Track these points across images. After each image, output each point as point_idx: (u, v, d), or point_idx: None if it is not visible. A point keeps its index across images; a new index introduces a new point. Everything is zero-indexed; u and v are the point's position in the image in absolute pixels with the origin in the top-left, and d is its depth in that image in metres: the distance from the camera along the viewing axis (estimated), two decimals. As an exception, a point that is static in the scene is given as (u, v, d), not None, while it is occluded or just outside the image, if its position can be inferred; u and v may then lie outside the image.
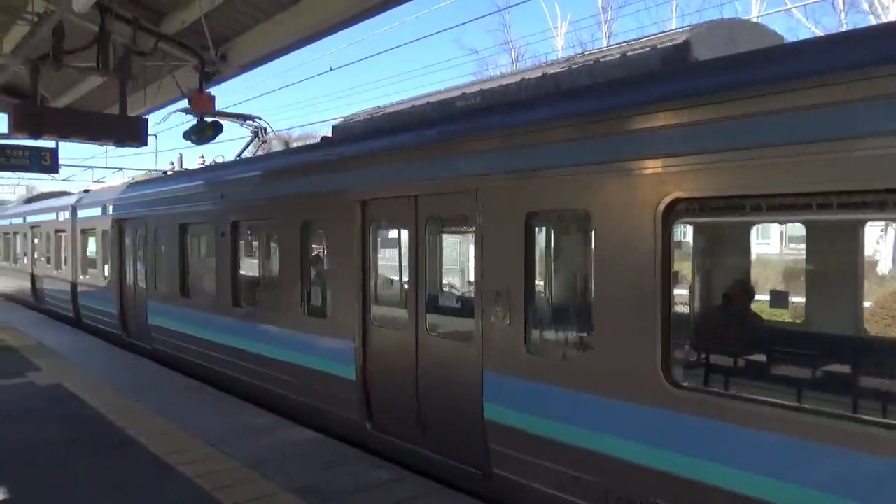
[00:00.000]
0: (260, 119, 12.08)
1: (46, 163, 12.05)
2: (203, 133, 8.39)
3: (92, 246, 16.39)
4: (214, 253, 9.95)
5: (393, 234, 7.86)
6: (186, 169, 13.07)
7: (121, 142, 7.80)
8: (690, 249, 6.67)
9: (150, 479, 6.02)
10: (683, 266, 6.74)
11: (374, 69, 78.89)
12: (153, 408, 8.51)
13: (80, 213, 16.62)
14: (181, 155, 37.36)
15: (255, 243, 11.20)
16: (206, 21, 7.68)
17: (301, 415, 7.98)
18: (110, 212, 14.33)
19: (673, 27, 28.84)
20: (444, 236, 8.04)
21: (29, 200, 25.21)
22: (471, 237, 6.09)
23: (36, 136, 8.18)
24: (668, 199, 4.32)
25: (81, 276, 16.66)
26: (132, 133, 7.60)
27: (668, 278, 4.38)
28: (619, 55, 5.45)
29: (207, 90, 8.71)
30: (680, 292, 6.08)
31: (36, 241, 20.92)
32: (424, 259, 6.49)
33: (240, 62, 8.53)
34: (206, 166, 12.02)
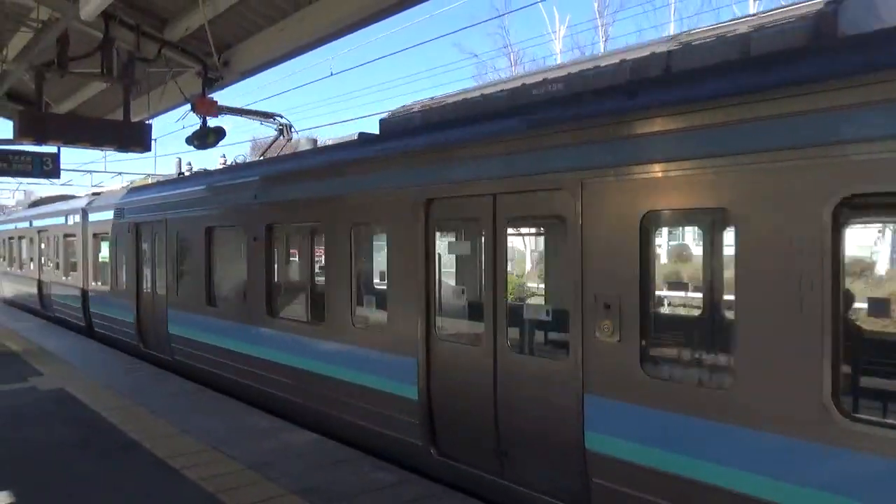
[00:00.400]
0: (282, 117, 11.70)
1: (48, 168, 12.11)
2: (206, 138, 8.45)
3: (105, 251, 15.80)
4: (246, 258, 9.34)
5: (464, 236, 7.20)
6: (211, 168, 12.28)
7: (125, 147, 7.87)
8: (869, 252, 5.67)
9: (156, 482, 6.07)
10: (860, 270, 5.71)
11: (375, 73, 78.97)
12: (155, 410, 8.57)
13: (92, 217, 16.13)
14: (179, 159, 37.49)
15: (294, 248, 10.67)
16: (210, 27, 7.76)
17: (350, 436, 7.33)
18: (127, 215, 13.68)
19: (671, 30, 29.00)
20: (530, 239, 7.62)
21: (34, 204, 24.82)
22: (562, 240, 5.55)
23: (41, 142, 8.25)
24: (846, 193, 3.70)
25: (93, 283, 16.14)
26: (136, 138, 7.68)
27: (839, 286, 3.77)
28: (743, 30, 4.77)
29: (210, 95, 8.78)
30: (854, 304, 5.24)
31: (43, 245, 20.47)
32: (504, 265, 5.79)
33: (242, 68, 8.61)
34: (234, 165, 11.33)
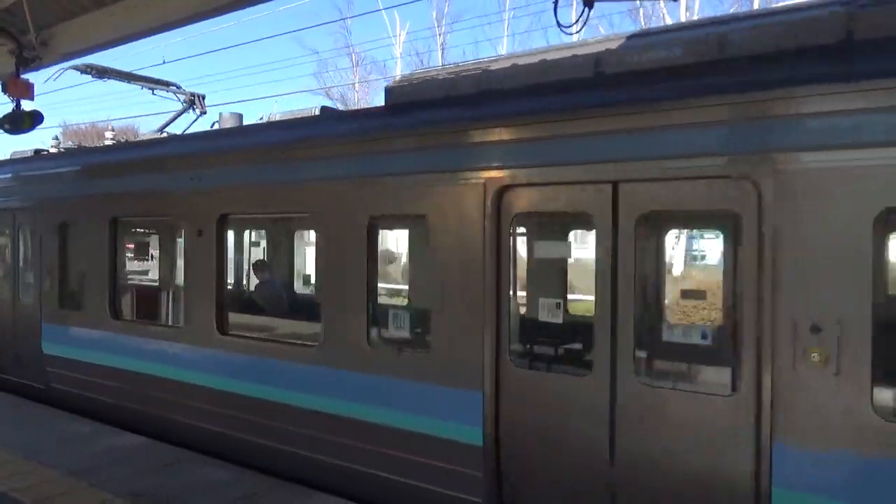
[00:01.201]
0: (179, 87, 10.25)
1: None
2: (20, 122, 7.73)
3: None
4: (181, 258, 7.66)
5: (557, 233, 5.91)
6: (115, 142, 10.08)
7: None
8: None
9: (-42, 496, 5.57)
10: None
11: (209, 64, 75.03)
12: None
13: None
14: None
15: (263, 244, 9.54)
16: (28, 3, 7.15)
17: (370, 495, 5.68)
18: None
19: (504, 46, 30.68)
20: (669, 239, 6.04)
21: None
22: (728, 242, 4.70)
23: None
24: None
25: None
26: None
27: None
28: None
29: (24, 76, 8.05)
30: None
31: None
32: (631, 272, 4.51)
33: (63, 49, 7.95)
34: (154, 139, 9.15)
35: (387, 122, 5.85)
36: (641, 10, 24.30)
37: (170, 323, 8.39)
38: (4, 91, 7.72)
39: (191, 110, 10.23)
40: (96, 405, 8.25)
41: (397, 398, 5.49)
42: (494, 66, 5.51)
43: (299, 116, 7.13)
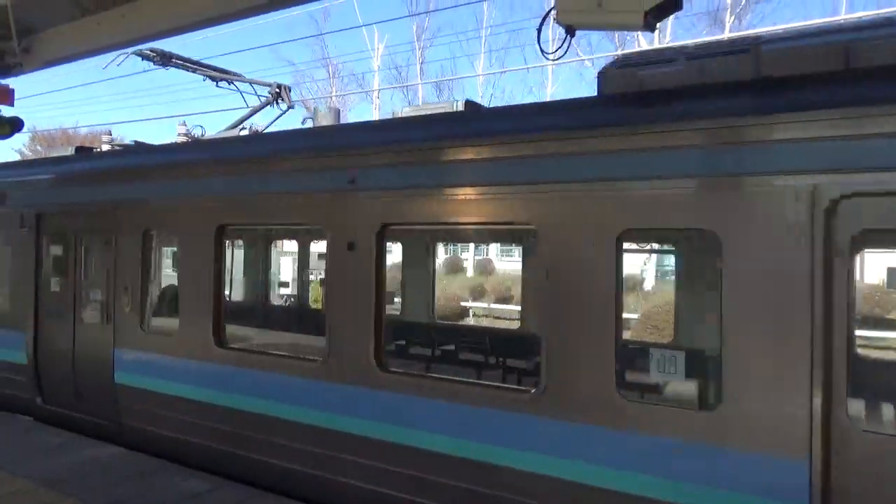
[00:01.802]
0: (240, 77, 9.10)
1: None
2: (-1, 128, 7.71)
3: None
4: (306, 272, 7.34)
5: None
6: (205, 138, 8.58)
7: None
8: None
9: (-71, 505, 5.50)
10: None
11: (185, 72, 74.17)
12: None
13: None
14: (-56, 143, 32.21)
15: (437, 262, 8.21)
16: (12, 10, 7.17)
17: None
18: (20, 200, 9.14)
19: (481, 62, 30.95)
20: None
21: None
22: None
23: None
24: None
25: None
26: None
27: None
28: None
29: (4, 82, 8.04)
30: None
31: None
32: (845, 299, 3.86)
33: (46, 56, 7.97)
34: (280, 132, 7.72)
35: (638, 113, 4.68)
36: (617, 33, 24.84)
37: (304, 355, 6.42)
38: (-16, 96, 7.69)
39: (274, 104, 8.91)
40: (189, 449, 6.89)
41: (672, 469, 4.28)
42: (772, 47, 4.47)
43: (447, 112, 6.11)
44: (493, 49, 39.36)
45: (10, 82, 8.28)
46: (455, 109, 6.13)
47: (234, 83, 9.34)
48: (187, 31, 7.35)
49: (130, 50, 8.08)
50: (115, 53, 7.98)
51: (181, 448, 6.93)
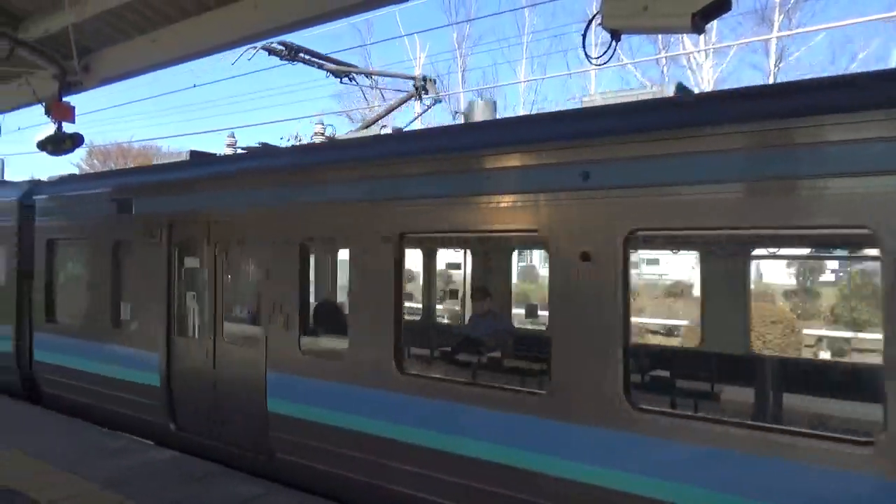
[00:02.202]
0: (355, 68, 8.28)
1: None
2: (61, 143, 8.04)
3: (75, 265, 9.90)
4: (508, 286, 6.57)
5: None
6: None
7: (-31, 148, 7.34)
8: None
9: (0, 505, 5.75)
10: None
11: (236, 85, 76.81)
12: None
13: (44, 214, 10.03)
14: (2, 160, 33.81)
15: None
16: (73, 30, 7.49)
17: None
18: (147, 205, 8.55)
19: (522, 68, 30.92)
20: None
21: None
22: None
23: None
24: None
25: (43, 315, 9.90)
26: (-18, 140, 7.20)
27: None
28: None
29: (66, 99, 8.39)
30: None
31: None
32: None
33: (104, 74, 8.31)
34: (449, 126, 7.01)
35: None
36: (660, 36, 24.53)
37: (517, 386, 5.44)
38: (48, 114, 8.06)
39: (417, 100, 8.07)
40: (356, 491, 6.10)
41: None
42: None
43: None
44: (535, 55, 39.27)
45: (71, 99, 8.63)
46: (662, 95, 5.36)
47: (373, 77, 8.89)
48: (237, 47, 7.56)
49: (260, 44, 7.61)
50: (243, 49, 7.59)
51: (347, 488, 6.11)
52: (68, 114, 8.18)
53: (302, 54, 8.29)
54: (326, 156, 6.85)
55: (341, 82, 8.76)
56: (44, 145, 8.15)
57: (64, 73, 8.13)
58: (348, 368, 6.14)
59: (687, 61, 26.96)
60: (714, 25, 23.86)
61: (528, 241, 7.44)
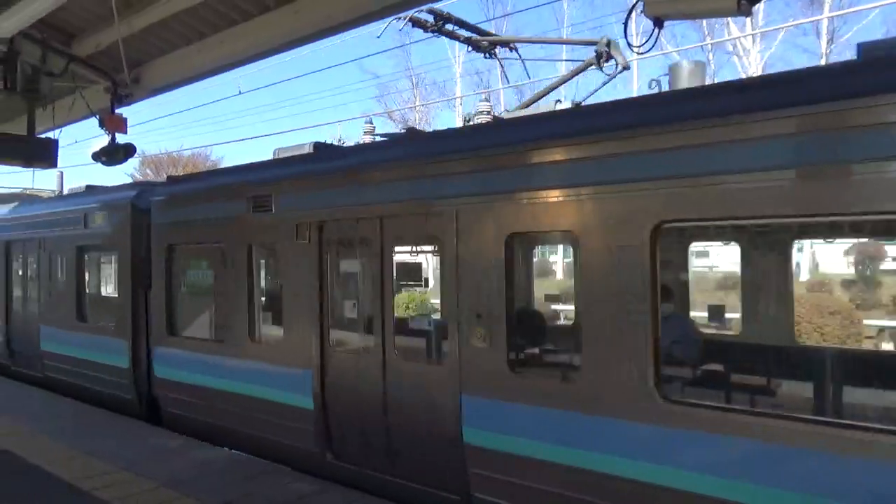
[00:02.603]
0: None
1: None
2: (115, 154, 8.33)
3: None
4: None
5: None
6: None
7: (29, 163, 7.65)
8: None
9: None
10: None
11: (280, 92, 78.52)
12: (52, 434, 8.27)
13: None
14: (62, 173, 35.22)
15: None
16: (122, 44, 7.75)
17: None
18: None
19: (564, 59, 30.51)
20: None
21: None
22: None
23: (-66, 156, 7.90)
24: None
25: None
26: (41, 154, 7.50)
27: None
28: None
29: (118, 111, 8.68)
30: None
31: None
32: None
33: (153, 85, 8.59)
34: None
35: None
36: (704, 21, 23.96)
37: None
38: (102, 126, 8.34)
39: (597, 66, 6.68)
40: None
41: None
42: None
43: None
44: (575, 48, 38.75)
45: (122, 111, 8.92)
46: None
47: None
48: (280, 52, 7.72)
49: (407, 13, 6.75)
50: (392, 18, 6.84)
51: None
52: (121, 125, 8.45)
53: (449, 25, 7.40)
54: (519, 135, 5.46)
55: (486, 57, 7.83)
56: (98, 156, 8.44)
57: (115, 85, 8.41)
58: (582, 394, 4.91)
59: (733, 47, 26.30)
60: (760, 8, 23.17)
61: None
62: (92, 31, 7.84)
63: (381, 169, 6.36)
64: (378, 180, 6.34)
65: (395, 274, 6.58)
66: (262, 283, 7.82)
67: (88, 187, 11.21)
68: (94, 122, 8.75)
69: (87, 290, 10.66)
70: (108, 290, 10.59)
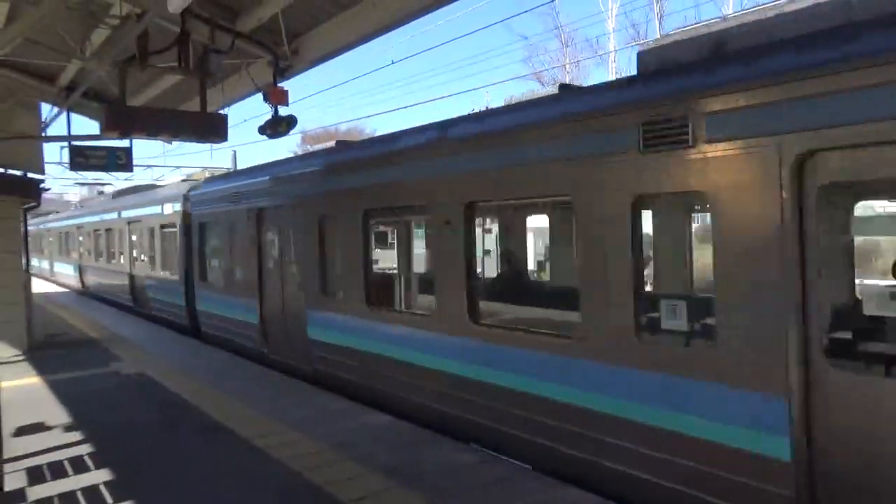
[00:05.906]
0: None
1: (122, 162, 12.57)
2: (278, 127, 8.59)
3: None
4: None
5: None
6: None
7: (203, 138, 8.08)
8: None
9: (243, 461, 6.26)
10: None
11: (429, 60, 79.87)
12: (232, 394, 8.83)
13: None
14: (234, 152, 38.13)
15: None
16: (282, 17, 7.88)
17: None
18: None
19: (730, 4, 27.69)
20: None
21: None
22: None
23: (125, 136, 8.55)
24: None
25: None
26: (213, 129, 7.87)
27: None
28: None
29: (280, 84, 8.90)
30: None
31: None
32: None
33: (311, 56, 8.70)
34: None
35: None
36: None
37: None
38: (266, 100, 8.58)
39: None
40: None
41: None
42: None
43: None
44: (745, -7, 35.36)
45: (283, 85, 9.15)
46: None
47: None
48: (432, 11, 7.43)
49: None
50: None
51: None
52: (283, 98, 8.65)
53: None
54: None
55: None
56: (263, 129, 8.72)
57: (277, 59, 8.61)
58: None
59: None
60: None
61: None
62: (253, 6, 8.05)
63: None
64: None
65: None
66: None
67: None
68: (250, 102, 9.04)
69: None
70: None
